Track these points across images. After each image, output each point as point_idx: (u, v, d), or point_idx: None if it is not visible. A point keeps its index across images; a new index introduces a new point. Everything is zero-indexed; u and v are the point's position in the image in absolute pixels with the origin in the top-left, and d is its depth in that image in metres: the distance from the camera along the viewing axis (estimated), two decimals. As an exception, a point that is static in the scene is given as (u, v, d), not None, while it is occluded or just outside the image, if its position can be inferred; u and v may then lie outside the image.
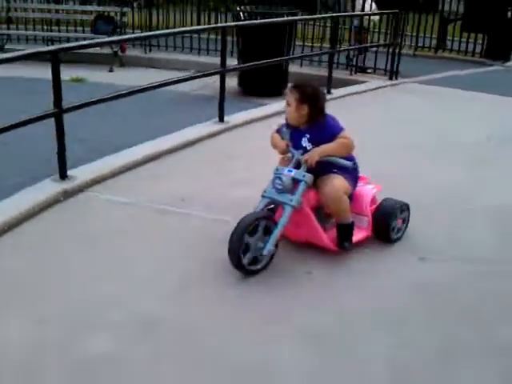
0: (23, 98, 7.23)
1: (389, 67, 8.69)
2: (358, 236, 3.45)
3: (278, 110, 6.68)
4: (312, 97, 3.19)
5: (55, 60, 4.05)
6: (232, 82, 8.53)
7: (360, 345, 2.60)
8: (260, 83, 8.05)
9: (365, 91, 8.05)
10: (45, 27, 11.11)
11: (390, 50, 8.58)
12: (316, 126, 3.24)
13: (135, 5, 11.80)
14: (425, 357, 2.53)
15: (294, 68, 8.95)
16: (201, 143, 5.46)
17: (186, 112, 7.05)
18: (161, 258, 3.34)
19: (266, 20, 7.43)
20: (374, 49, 9.17)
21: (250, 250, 3.07)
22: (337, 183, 3.22)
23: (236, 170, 4.71)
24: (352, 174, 3.35)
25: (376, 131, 5.87)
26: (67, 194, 4.17)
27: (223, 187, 4.35)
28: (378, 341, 2.63)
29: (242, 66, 7.71)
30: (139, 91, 5.02)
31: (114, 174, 4.59)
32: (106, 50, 9.89)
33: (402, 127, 6.17)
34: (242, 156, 5.10)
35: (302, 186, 3.15)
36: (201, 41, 10.13)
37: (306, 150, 3.25)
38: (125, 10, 10.20)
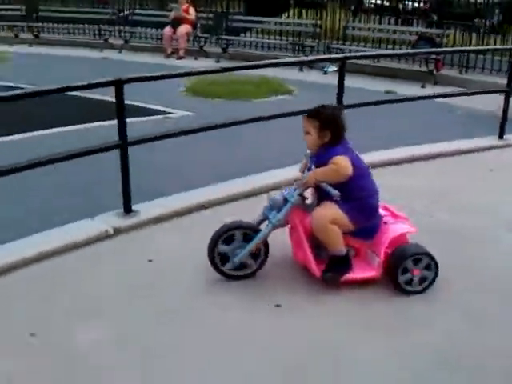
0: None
1: None
2: (360, 274, 3.29)
3: None
4: (334, 121, 3.19)
5: (343, 65, 5.06)
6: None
7: None
8: None
9: None
10: (374, 45, 12.42)
11: None
12: (325, 149, 3.21)
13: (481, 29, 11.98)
14: None
15: None
16: (470, 154, 5.83)
17: (470, 128, 7.34)
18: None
19: None
20: None
21: (229, 257, 3.31)
22: (323, 211, 3.17)
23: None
24: (353, 205, 3.18)
25: None
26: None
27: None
28: None
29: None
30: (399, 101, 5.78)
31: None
32: (423, 68, 10.63)
33: None
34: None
35: (286, 206, 3.20)
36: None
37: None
38: (447, 32, 10.77)
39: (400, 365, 2.67)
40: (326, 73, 11.64)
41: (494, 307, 3.15)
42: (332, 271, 3.23)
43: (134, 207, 4.15)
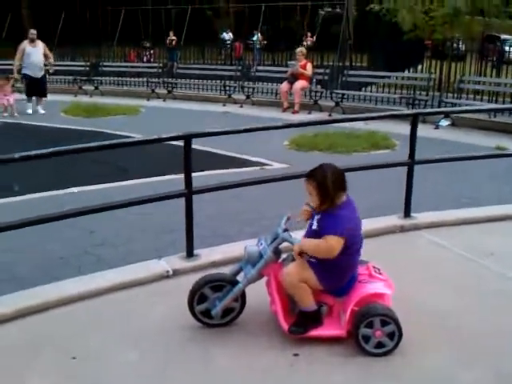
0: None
1: None
2: (326, 331, 3.23)
3: None
4: (324, 183, 3.10)
5: (414, 120, 5.09)
6: None
7: None
8: None
9: None
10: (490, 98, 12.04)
11: None
12: (329, 213, 3.14)
13: None
14: None
15: None
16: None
17: None
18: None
19: None
20: None
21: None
22: (291, 269, 3.19)
23: None
24: (325, 269, 3.16)
25: None
26: (403, 229, 5.16)
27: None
28: None
29: None
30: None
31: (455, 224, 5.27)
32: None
33: None
34: None
35: (260, 262, 3.23)
36: None
37: (311, 230, 3.22)
38: None
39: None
40: (437, 127, 11.44)
41: None
42: (299, 326, 3.26)
43: (196, 251, 4.47)
